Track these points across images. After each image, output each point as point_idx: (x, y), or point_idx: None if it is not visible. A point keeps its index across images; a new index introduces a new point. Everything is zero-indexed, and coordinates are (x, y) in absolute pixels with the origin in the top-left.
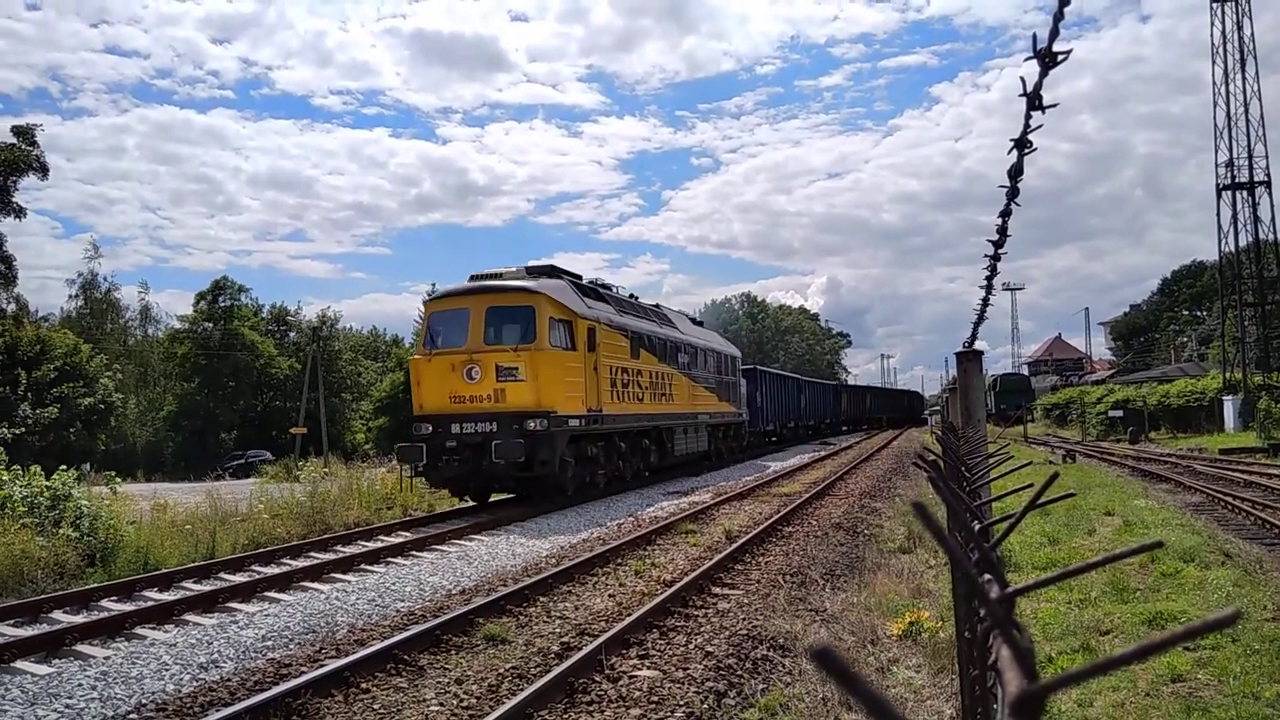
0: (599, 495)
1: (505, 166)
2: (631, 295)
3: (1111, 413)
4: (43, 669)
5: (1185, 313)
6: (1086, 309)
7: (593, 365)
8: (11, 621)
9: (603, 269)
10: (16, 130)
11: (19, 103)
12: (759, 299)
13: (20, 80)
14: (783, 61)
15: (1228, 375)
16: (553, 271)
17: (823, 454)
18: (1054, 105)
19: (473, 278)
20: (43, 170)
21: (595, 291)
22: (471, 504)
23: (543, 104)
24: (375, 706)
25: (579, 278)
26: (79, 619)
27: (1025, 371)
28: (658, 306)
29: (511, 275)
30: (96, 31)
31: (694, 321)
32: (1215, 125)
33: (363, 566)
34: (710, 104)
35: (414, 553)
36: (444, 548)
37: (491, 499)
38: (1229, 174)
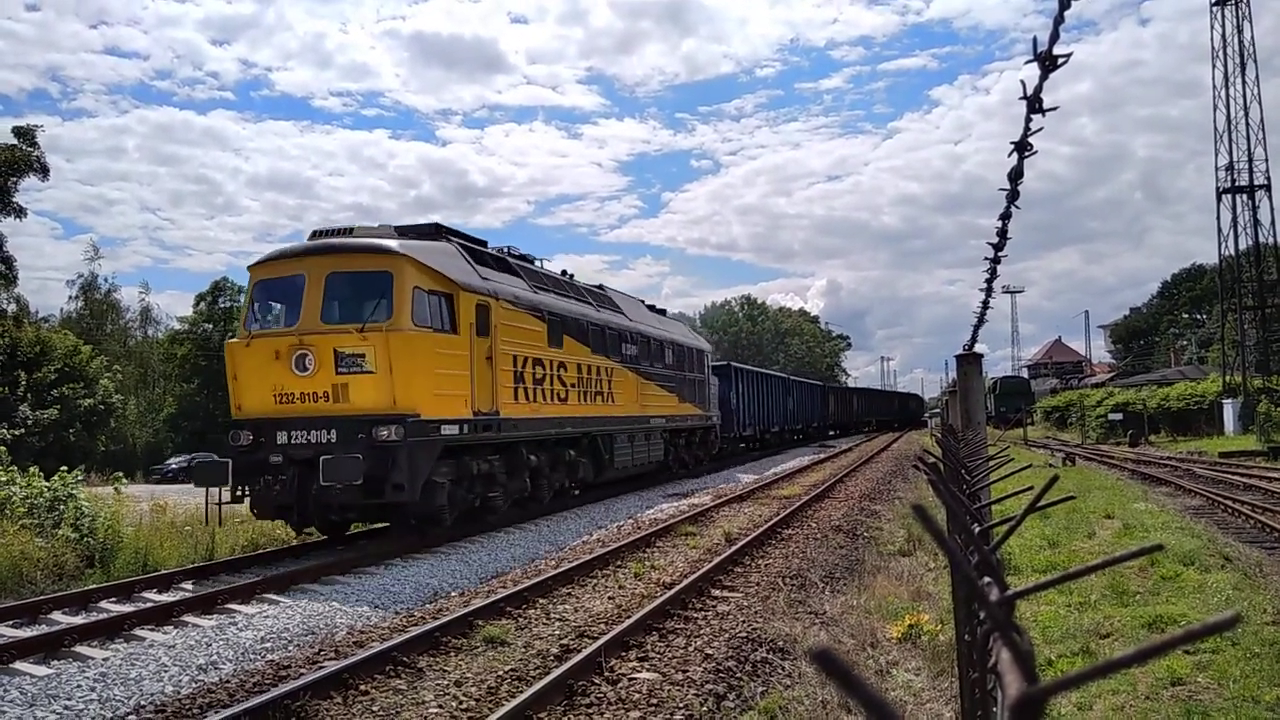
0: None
1: (505, 168)
2: (565, 273)
3: (1111, 416)
4: (42, 670)
5: (1185, 316)
6: (1086, 312)
7: (485, 354)
8: (11, 622)
9: (603, 270)
10: (17, 131)
11: (19, 104)
12: (759, 301)
13: (20, 81)
14: (782, 64)
15: (1227, 378)
16: (437, 232)
17: (807, 462)
18: (1054, 108)
19: (315, 234)
20: (43, 171)
21: (501, 261)
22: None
23: (542, 106)
24: (374, 708)
25: (482, 243)
26: (78, 620)
27: (1025, 374)
28: (601, 288)
29: (368, 232)
30: (96, 32)
31: (653, 309)
32: (1215, 129)
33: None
34: (710, 106)
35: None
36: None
37: (353, 530)
38: (1229, 177)
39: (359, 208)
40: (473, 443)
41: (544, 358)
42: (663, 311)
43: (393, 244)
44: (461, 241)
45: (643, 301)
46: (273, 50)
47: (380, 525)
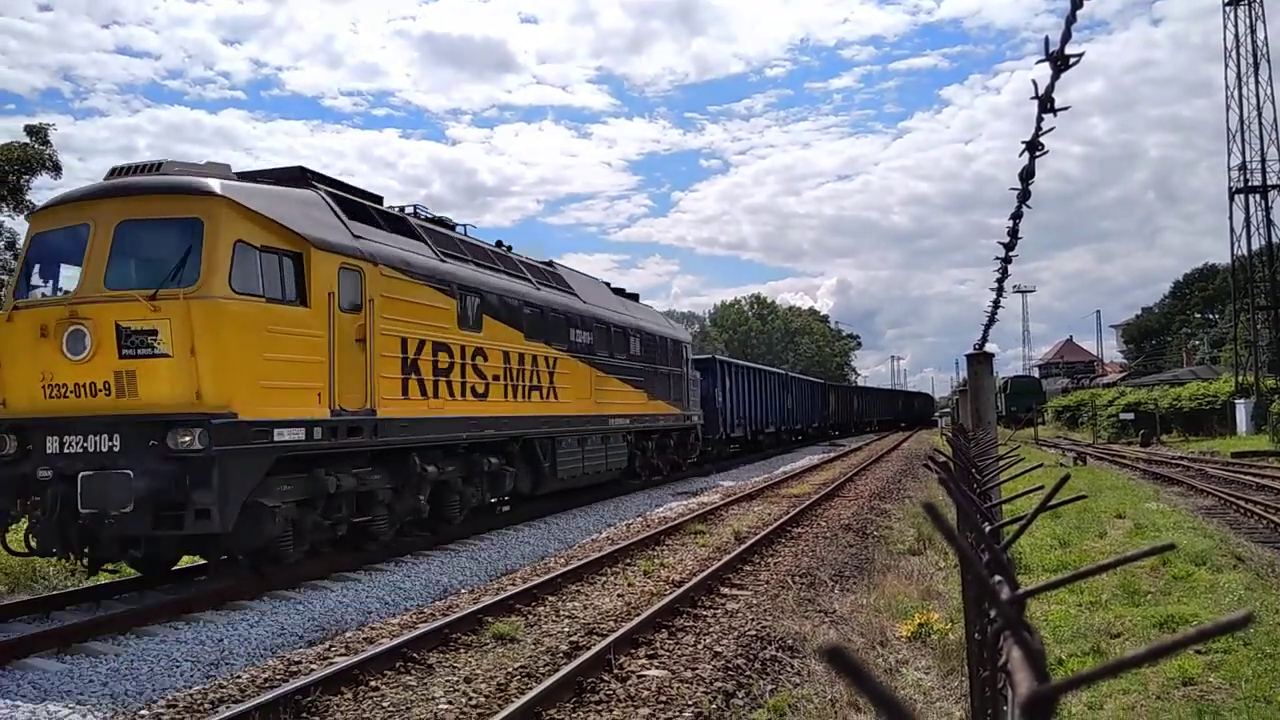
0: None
1: (514, 167)
2: (502, 244)
3: (1123, 415)
4: (55, 665)
5: (1197, 316)
6: (1098, 312)
7: (355, 335)
8: (25, 618)
9: (611, 269)
10: (29, 129)
11: (31, 103)
12: (768, 301)
13: (33, 80)
14: (792, 64)
15: (1240, 379)
16: (302, 177)
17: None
18: (1065, 108)
19: (113, 172)
20: (55, 169)
21: (396, 220)
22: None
23: (552, 105)
24: (384, 704)
25: (375, 198)
26: (91, 615)
27: (1036, 374)
28: (550, 264)
29: (182, 169)
30: (108, 32)
31: (620, 293)
32: (1228, 128)
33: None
34: (720, 106)
35: None
36: None
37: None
38: (1242, 177)
39: None
40: (332, 451)
41: (452, 342)
42: (633, 296)
43: (210, 183)
44: (333, 190)
45: (608, 284)
46: (284, 50)
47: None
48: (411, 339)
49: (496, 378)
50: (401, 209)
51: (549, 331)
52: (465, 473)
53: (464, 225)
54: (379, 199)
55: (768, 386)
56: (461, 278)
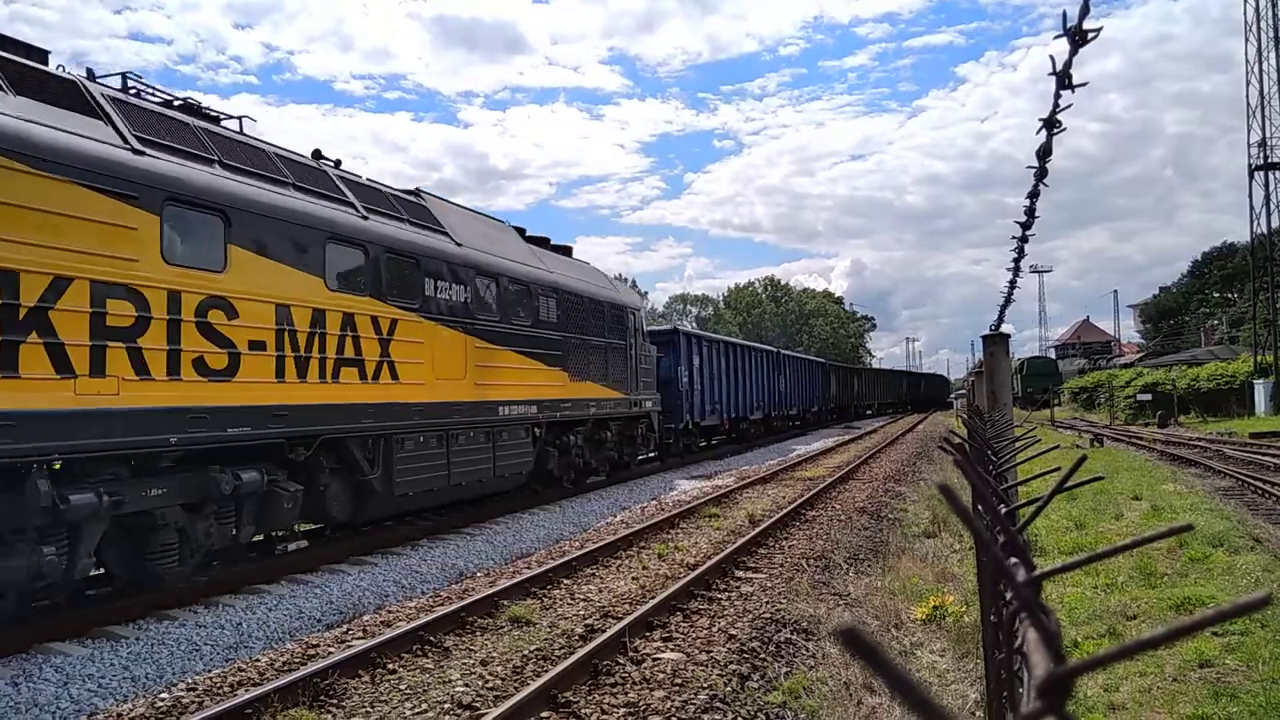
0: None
1: (527, 150)
2: (320, 154)
3: (1140, 396)
4: (76, 649)
5: (1216, 295)
6: (1115, 291)
7: None
8: (47, 602)
9: (625, 253)
10: None
11: None
12: (782, 283)
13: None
14: (806, 42)
15: (1259, 358)
16: None
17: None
18: (1084, 84)
19: None
20: None
21: (32, 75)
22: None
23: (564, 87)
24: (401, 687)
25: (40, 54)
26: (113, 600)
27: (1052, 355)
28: (417, 193)
29: None
30: (120, 18)
31: (537, 241)
32: (1248, 104)
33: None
34: (733, 85)
35: None
36: None
37: None
38: (1261, 154)
39: None
40: None
41: (145, 284)
42: (564, 250)
43: None
44: None
45: (520, 230)
46: (295, 33)
47: None
48: (32, 275)
49: (258, 345)
50: (90, 75)
51: (384, 281)
52: (191, 498)
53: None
54: (43, 52)
55: (753, 366)
56: (175, 181)
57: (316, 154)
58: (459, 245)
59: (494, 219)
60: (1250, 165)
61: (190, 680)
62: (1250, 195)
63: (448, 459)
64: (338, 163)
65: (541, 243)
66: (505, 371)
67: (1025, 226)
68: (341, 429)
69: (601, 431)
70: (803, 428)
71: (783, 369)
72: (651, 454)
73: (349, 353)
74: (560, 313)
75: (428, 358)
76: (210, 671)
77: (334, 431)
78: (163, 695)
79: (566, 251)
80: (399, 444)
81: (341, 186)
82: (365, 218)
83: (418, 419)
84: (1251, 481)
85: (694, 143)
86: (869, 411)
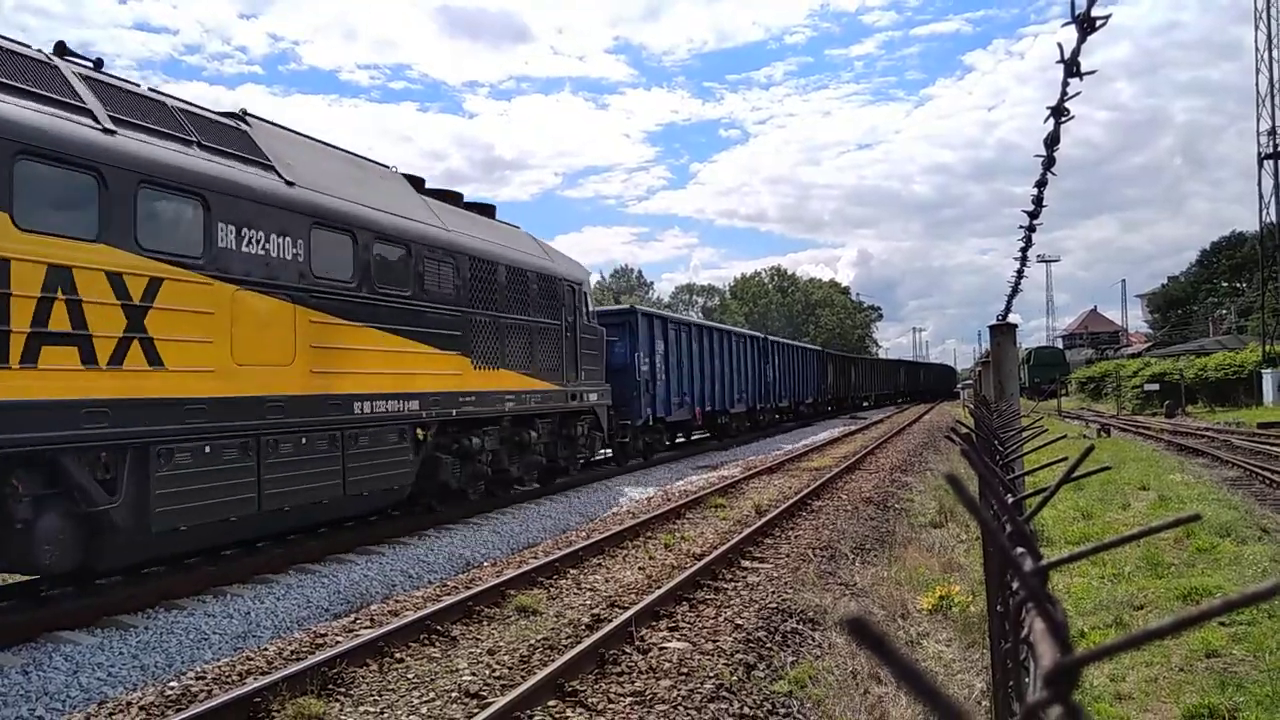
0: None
1: (532, 140)
2: (69, 54)
3: (1147, 386)
4: (86, 638)
5: (1224, 285)
6: (1123, 281)
7: None
8: (57, 591)
9: (631, 243)
10: None
11: None
12: (789, 273)
13: None
14: (812, 30)
15: (1267, 348)
16: None
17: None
18: (1092, 72)
19: None
20: None
21: None
22: None
23: (569, 76)
24: (409, 675)
25: None
26: (123, 590)
27: (1060, 345)
28: (243, 115)
29: None
30: (125, 8)
31: (442, 195)
32: (1257, 92)
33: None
34: (739, 75)
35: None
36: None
37: None
38: (1271, 142)
39: None
40: None
41: None
42: (485, 210)
43: None
44: None
45: (417, 181)
46: (300, 23)
47: None
48: None
49: None
50: None
51: (138, 224)
52: None
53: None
54: None
55: (734, 353)
56: None
57: (60, 48)
58: (290, 185)
59: (376, 163)
60: (1260, 154)
61: (199, 669)
62: (1259, 184)
63: (258, 476)
64: (98, 63)
65: (448, 198)
66: (366, 356)
67: (1033, 216)
68: (40, 438)
69: (524, 431)
70: (797, 421)
71: (770, 357)
72: (604, 456)
73: (59, 324)
74: (461, 283)
75: (222, 334)
76: (219, 660)
77: (28, 442)
78: (172, 684)
79: (486, 212)
80: (161, 457)
81: (77, 86)
82: (109, 131)
83: (199, 420)
84: (1259, 471)
85: (700, 132)
86: (865, 404)
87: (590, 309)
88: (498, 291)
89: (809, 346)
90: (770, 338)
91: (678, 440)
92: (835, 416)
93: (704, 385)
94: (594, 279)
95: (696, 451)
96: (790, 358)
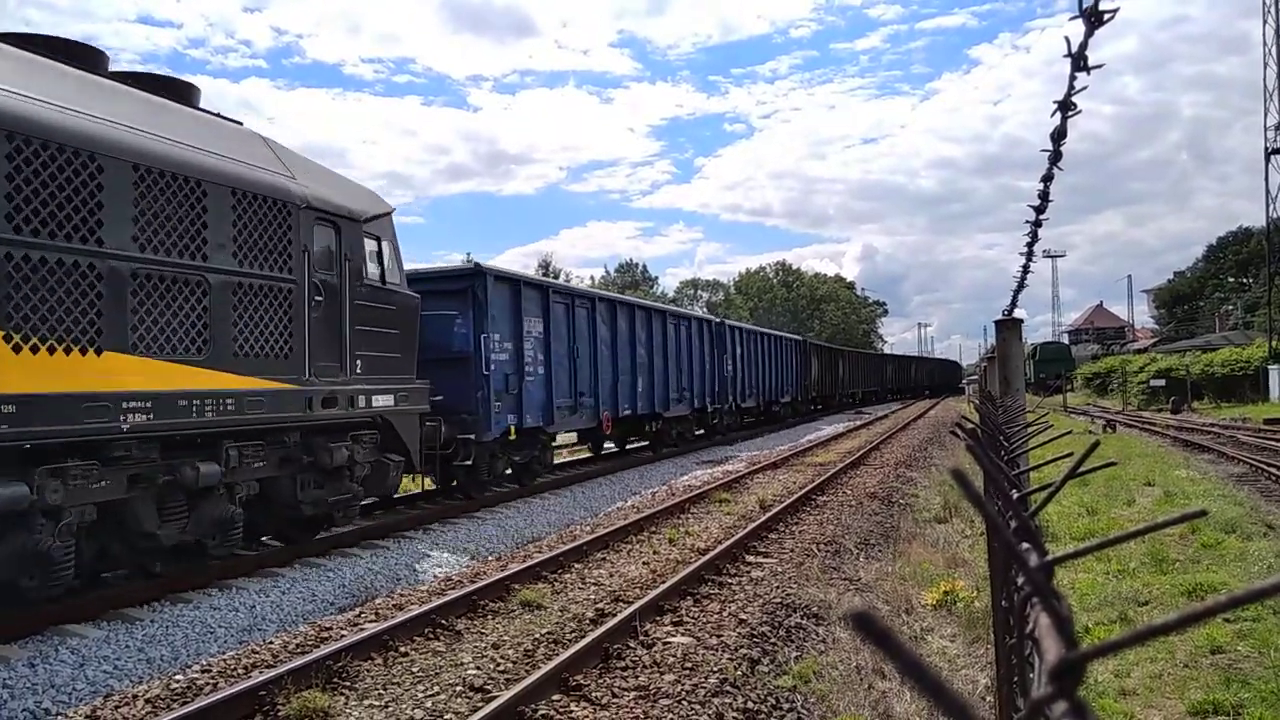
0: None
1: (537, 134)
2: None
3: (1153, 382)
4: (93, 631)
5: (1231, 280)
6: (1129, 276)
7: None
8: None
9: (636, 237)
10: None
11: None
12: (794, 268)
13: None
14: (818, 24)
15: (1274, 344)
16: None
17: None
18: (1099, 66)
19: None
20: None
21: None
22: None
23: (574, 70)
24: (414, 669)
25: None
26: (128, 583)
27: (1065, 340)
28: None
29: None
30: (130, 1)
31: (144, 83)
32: (1265, 86)
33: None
34: (744, 68)
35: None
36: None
37: None
38: (1278, 137)
39: (392, 175)
40: None
41: None
42: (168, 90)
43: None
44: None
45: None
46: (304, 16)
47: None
48: None
49: None
50: None
51: None
52: None
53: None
54: None
55: (671, 340)
56: None
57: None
58: None
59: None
60: (1267, 148)
61: (205, 662)
62: (1266, 179)
63: None
64: None
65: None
66: None
67: (1039, 211)
68: None
69: (186, 468)
70: (772, 423)
71: (730, 346)
72: (360, 501)
73: None
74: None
75: None
76: (224, 653)
77: None
78: (178, 677)
79: (173, 94)
80: None
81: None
82: None
83: None
84: (1265, 468)
85: (705, 126)
86: (851, 400)
87: (395, 265)
88: (113, 209)
89: (787, 336)
90: (730, 323)
91: (568, 461)
92: (813, 418)
93: (621, 381)
94: (597, 274)
95: (692, 449)
96: (759, 348)
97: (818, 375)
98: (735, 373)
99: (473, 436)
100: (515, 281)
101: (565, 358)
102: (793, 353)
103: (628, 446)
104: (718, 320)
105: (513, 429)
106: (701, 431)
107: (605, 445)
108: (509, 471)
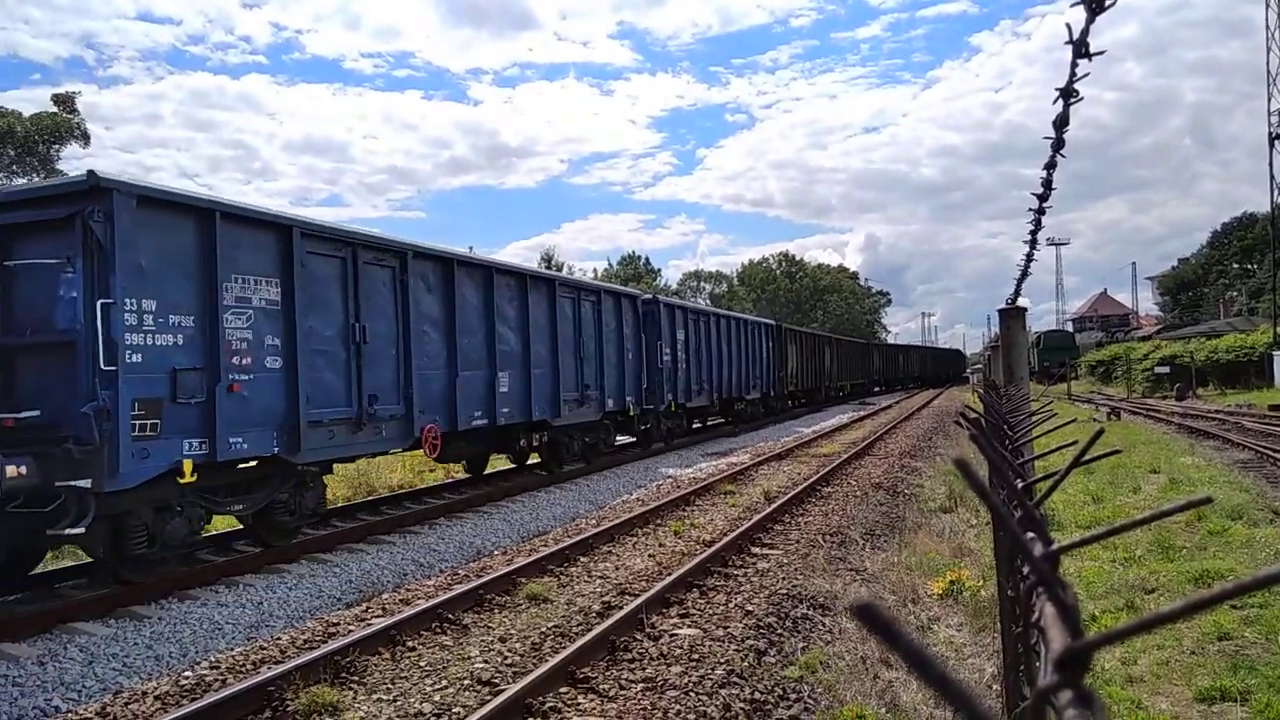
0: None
1: (537, 127)
2: None
3: (1158, 369)
4: (101, 629)
5: (1235, 266)
6: (1133, 263)
7: None
8: (70, 583)
9: (638, 230)
10: (57, 99)
11: (55, 72)
12: (797, 258)
13: (56, 49)
14: (818, 13)
15: (1278, 330)
16: None
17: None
18: (1101, 52)
19: None
20: (84, 138)
21: None
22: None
23: (574, 63)
24: (422, 664)
25: None
26: (136, 581)
27: (1070, 328)
28: None
29: None
30: None
31: None
32: (1268, 71)
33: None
34: (744, 59)
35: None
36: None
37: None
38: None
39: (393, 170)
40: None
41: None
42: None
43: None
44: None
45: None
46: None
47: None
48: None
49: None
50: None
51: None
52: None
53: None
54: None
55: (559, 319)
56: None
57: None
58: None
59: None
60: (1270, 133)
61: (213, 659)
62: (1270, 164)
63: None
64: None
65: None
66: None
67: (1042, 199)
68: None
69: None
70: (735, 427)
71: (664, 330)
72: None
73: None
74: None
75: None
76: (233, 650)
77: None
78: (186, 673)
79: None
80: None
81: None
82: None
83: None
84: (1270, 454)
85: (705, 117)
86: (840, 394)
87: None
88: None
89: (753, 319)
90: (665, 300)
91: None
92: (791, 417)
93: (463, 378)
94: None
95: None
96: (714, 333)
97: (797, 366)
98: (677, 364)
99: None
100: (184, 205)
101: (337, 342)
102: (762, 339)
103: (487, 472)
104: (646, 296)
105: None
106: (633, 439)
107: (454, 470)
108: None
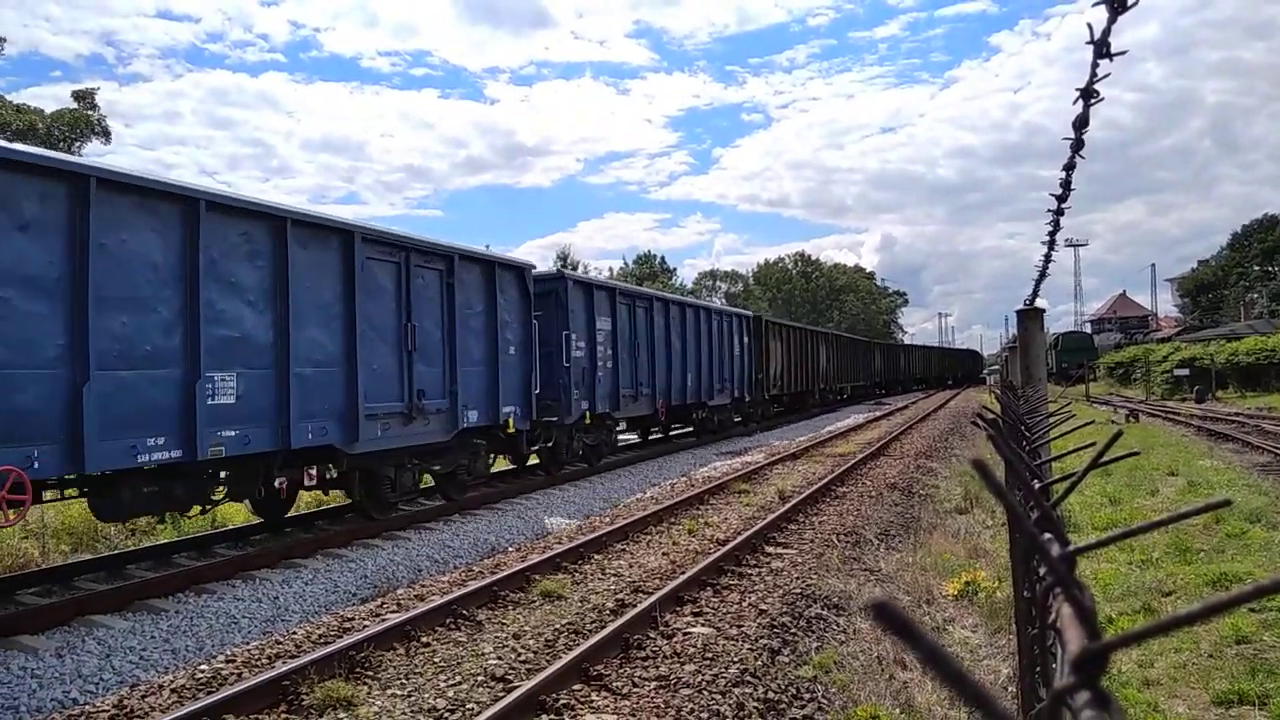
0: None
1: (554, 126)
2: None
3: (1177, 371)
4: (119, 622)
5: (1256, 268)
6: (1153, 265)
7: None
8: (89, 576)
9: (653, 229)
10: (77, 95)
11: (76, 69)
12: (813, 258)
13: (76, 47)
14: (836, 12)
15: None
16: None
17: None
18: (1123, 53)
19: None
20: (105, 135)
21: None
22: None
23: (590, 62)
24: (435, 660)
25: None
26: (153, 574)
27: (1088, 329)
28: None
29: None
30: None
31: None
32: None
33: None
34: (761, 58)
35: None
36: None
37: None
38: None
39: (410, 169)
40: None
41: None
42: None
43: None
44: None
45: None
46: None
47: None
48: None
49: None
50: None
51: None
52: None
53: None
54: None
55: (406, 300)
56: None
57: None
58: None
59: None
60: None
61: (229, 652)
62: None
63: None
64: None
65: None
66: None
67: (1061, 199)
68: None
69: None
70: (707, 436)
71: (574, 318)
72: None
73: None
74: None
75: None
76: (248, 644)
77: None
78: (202, 667)
79: None
80: None
81: None
82: None
83: None
84: None
85: (722, 116)
86: (839, 397)
87: None
88: None
89: (724, 309)
90: (576, 277)
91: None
92: (750, 433)
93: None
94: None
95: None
96: (657, 324)
97: (782, 367)
98: (596, 361)
99: None
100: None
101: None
102: (733, 333)
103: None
104: (553, 273)
105: None
106: (535, 461)
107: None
108: None
